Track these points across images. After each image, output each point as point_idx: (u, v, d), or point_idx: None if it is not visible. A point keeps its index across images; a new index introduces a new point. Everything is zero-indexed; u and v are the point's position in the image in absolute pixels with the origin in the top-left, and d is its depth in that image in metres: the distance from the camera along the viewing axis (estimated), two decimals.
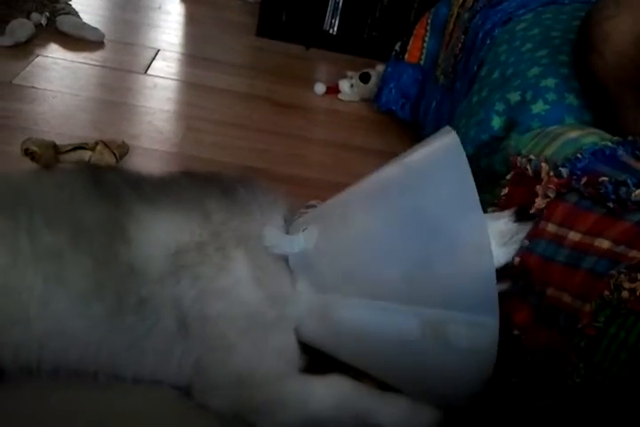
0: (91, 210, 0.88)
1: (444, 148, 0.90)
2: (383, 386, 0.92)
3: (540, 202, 0.89)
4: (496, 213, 0.92)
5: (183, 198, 0.92)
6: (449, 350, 0.84)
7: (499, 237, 0.89)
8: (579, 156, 0.89)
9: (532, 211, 0.90)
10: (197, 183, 0.96)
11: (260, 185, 0.99)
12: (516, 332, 0.89)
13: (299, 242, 0.89)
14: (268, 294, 0.88)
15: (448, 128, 0.92)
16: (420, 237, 0.85)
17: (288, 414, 0.87)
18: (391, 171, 0.94)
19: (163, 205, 0.90)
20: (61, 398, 0.87)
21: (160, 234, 0.87)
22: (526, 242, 0.89)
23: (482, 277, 0.81)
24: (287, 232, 0.93)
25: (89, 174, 0.94)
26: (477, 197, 0.81)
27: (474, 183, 0.82)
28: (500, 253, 0.89)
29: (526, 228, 0.89)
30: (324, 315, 0.89)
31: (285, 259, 0.91)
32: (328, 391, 0.88)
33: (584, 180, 0.86)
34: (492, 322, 0.81)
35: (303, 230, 0.90)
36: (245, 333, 0.87)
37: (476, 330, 0.82)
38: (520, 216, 0.89)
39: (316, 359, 0.92)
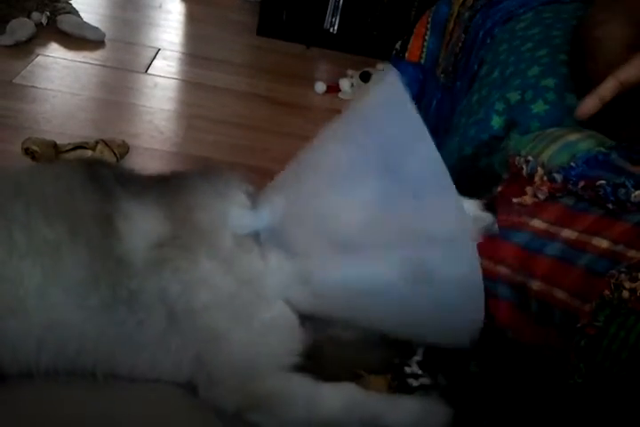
0: (85, 203, 0.89)
1: (383, 85, 0.89)
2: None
3: (526, 199, 0.90)
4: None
5: (155, 193, 0.92)
6: (433, 286, 0.84)
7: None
8: (572, 164, 0.89)
9: (515, 204, 0.91)
10: (161, 181, 0.96)
11: (212, 169, 1.00)
12: (509, 334, 0.89)
13: (263, 216, 0.89)
14: (238, 277, 0.88)
15: (390, 68, 0.94)
16: (380, 179, 0.84)
17: (295, 413, 0.86)
18: (340, 120, 0.95)
19: (146, 199, 0.91)
20: (61, 398, 0.87)
21: (143, 227, 0.88)
22: (496, 228, 0.90)
23: (449, 207, 0.81)
24: (253, 208, 0.92)
25: (85, 168, 0.95)
26: (424, 127, 0.81)
27: (417, 114, 0.81)
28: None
29: (493, 217, 0.90)
30: (305, 281, 0.89)
31: (257, 236, 0.90)
32: (336, 393, 0.87)
33: (582, 184, 0.86)
34: (468, 249, 0.81)
35: (266, 203, 0.90)
36: (232, 319, 0.87)
37: (454, 260, 0.82)
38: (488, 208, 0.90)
39: (319, 368, 0.92)
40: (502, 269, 0.88)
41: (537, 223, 0.87)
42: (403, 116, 0.84)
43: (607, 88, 0.96)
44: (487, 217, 0.90)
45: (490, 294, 0.89)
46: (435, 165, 0.81)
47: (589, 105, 0.98)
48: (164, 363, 0.89)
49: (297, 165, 0.97)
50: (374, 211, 0.85)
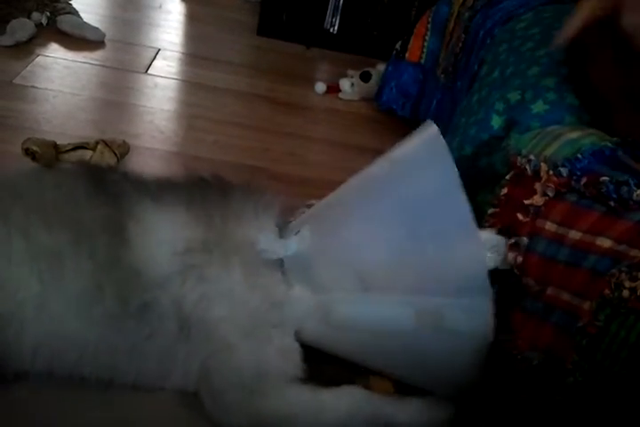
0: (90, 210, 0.87)
1: (424, 138, 0.92)
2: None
3: (538, 199, 0.89)
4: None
5: (185, 198, 0.91)
6: (445, 335, 0.85)
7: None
8: (578, 156, 0.89)
9: (529, 207, 0.90)
10: (198, 184, 0.96)
11: (257, 187, 0.99)
12: (510, 335, 0.89)
13: (291, 245, 0.90)
14: (263, 295, 0.88)
15: (429, 122, 0.95)
16: (408, 225, 0.87)
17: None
18: (378, 166, 0.96)
19: (165, 203, 0.90)
20: (60, 404, 0.86)
21: (164, 233, 0.87)
22: (525, 240, 0.90)
23: (471, 258, 0.82)
24: (281, 235, 0.93)
25: (89, 174, 0.94)
26: (459, 181, 0.83)
27: (455, 168, 0.84)
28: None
29: (507, 242, 0.91)
30: (323, 315, 0.90)
31: (280, 263, 0.91)
32: (339, 400, 0.87)
33: (584, 180, 0.86)
34: (485, 303, 0.82)
35: (296, 233, 0.91)
36: (246, 335, 0.87)
37: (470, 313, 0.83)
38: (502, 232, 0.91)
39: (320, 370, 0.93)
40: (529, 281, 0.88)
41: (548, 226, 0.87)
42: (441, 170, 0.86)
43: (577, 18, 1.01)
44: (501, 241, 0.91)
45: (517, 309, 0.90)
46: (466, 219, 0.83)
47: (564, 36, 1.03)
48: (172, 372, 0.89)
49: (333, 198, 0.99)
50: (399, 254, 0.87)
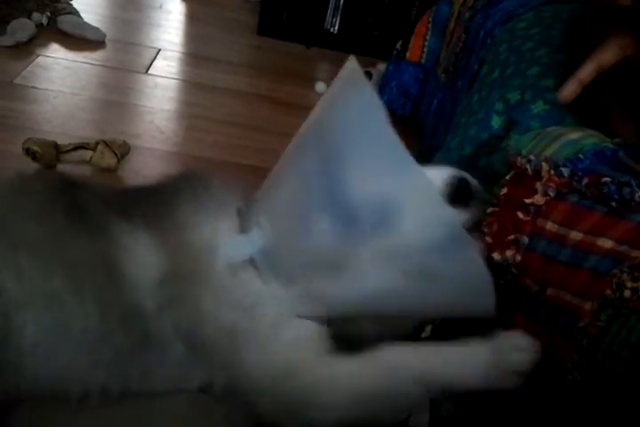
0: (79, 246, 0.83)
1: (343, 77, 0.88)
2: None
3: (538, 198, 0.89)
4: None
5: (158, 214, 0.87)
6: (441, 284, 0.80)
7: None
8: (580, 156, 0.88)
9: (530, 206, 0.90)
10: (166, 192, 0.91)
11: (204, 184, 0.94)
12: None
13: (254, 241, 0.85)
14: (240, 304, 0.85)
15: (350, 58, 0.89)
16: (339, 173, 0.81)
17: (324, 400, 0.80)
18: (305, 125, 0.92)
19: (137, 223, 0.85)
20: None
21: (147, 261, 0.83)
22: (526, 238, 0.89)
23: (424, 200, 0.77)
24: (244, 226, 0.88)
25: (64, 197, 0.88)
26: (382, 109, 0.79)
27: (376, 97, 0.80)
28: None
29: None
30: (311, 301, 0.87)
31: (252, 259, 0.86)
32: (364, 363, 0.81)
33: (586, 180, 0.86)
34: (468, 249, 0.77)
35: (256, 224, 0.86)
36: (246, 344, 0.84)
37: (456, 260, 0.77)
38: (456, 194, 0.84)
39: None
40: (528, 281, 0.88)
41: (549, 226, 0.87)
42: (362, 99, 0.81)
43: (586, 72, 0.98)
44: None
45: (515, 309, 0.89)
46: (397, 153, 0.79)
47: (570, 89, 1.00)
48: (188, 385, 0.87)
49: (275, 176, 0.95)
50: (366, 224, 0.80)
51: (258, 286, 0.85)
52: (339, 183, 0.80)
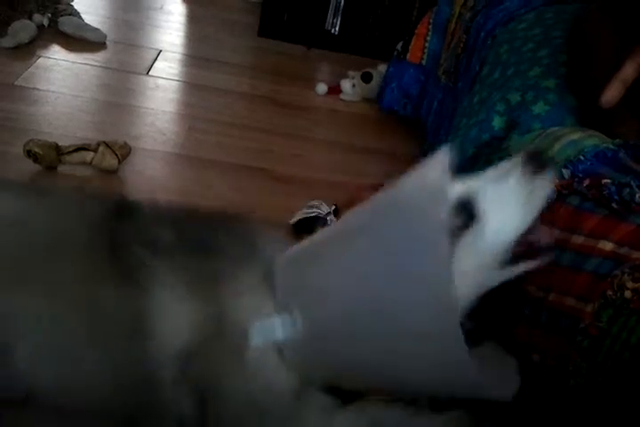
0: (106, 289, 0.78)
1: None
2: None
3: None
4: (502, 167, 0.79)
5: (200, 269, 0.82)
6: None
7: (513, 199, 0.76)
8: (581, 158, 0.88)
9: None
10: (212, 242, 0.85)
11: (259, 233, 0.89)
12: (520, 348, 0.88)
13: (286, 325, 0.80)
14: (262, 393, 0.81)
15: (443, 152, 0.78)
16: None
17: None
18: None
19: (181, 279, 0.80)
20: None
21: (178, 317, 0.78)
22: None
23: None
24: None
25: (108, 232, 0.82)
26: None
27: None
28: (520, 217, 0.76)
29: (545, 179, 0.76)
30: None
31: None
32: (353, 414, 0.82)
33: (586, 182, 0.86)
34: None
35: (287, 311, 0.80)
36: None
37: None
38: (534, 165, 0.76)
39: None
40: (531, 287, 0.88)
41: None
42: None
43: (628, 71, 0.96)
44: (538, 183, 0.77)
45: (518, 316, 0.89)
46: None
47: (614, 90, 0.98)
48: None
49: (316, 255, 0.85)
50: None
51: (282, 375, 0.81)
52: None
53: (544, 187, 0.77)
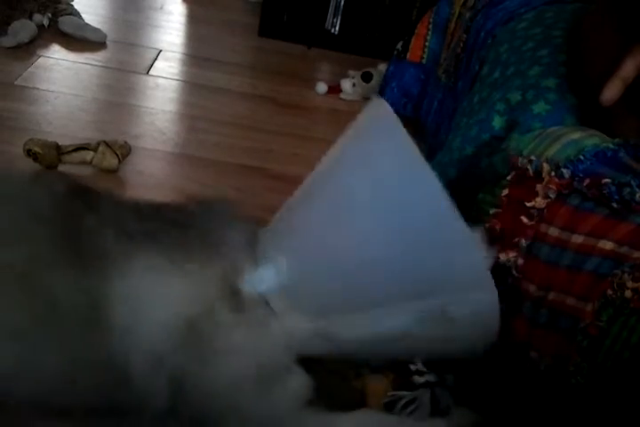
0: (65, 277, 0.75)
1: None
2: None
3: (540, 202, 0.89)
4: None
5: (172, 248, 0.80)
6: (451, 329, 0.82)
7: None
8: (580, 157, 0.88)
9: (532, 210, 0.90)
10: (183, 221, 0.85)
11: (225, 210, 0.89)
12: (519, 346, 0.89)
13: (269, 278, 0.81)
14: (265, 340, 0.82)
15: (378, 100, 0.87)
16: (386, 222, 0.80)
17: None
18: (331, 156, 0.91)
19: (156, 260, 0.78)
20: None
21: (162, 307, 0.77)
22: (524, 242, 0.89)
23: (467, 252, 0.78)
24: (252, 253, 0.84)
25: (71, 217, 0.80)
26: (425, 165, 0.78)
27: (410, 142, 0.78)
28: None
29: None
30: (324, 339, 0.85)
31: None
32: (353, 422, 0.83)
33: (587, 181, 0.86)
34: (491, 296, 0.79)
35: (270, 259, 0.82)
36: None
37: (475, 306, 0.79)
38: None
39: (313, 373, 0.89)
40: (531, 287, 0.88)
41: (551, 231, 0.87)
42: (397, 145, 0.81)
43: (628, 69, 0.96)
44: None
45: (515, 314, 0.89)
46: (447, 210, 0.77)
47: (613, 88, 0.97)
48: None
49: (294, 207, 0.90)
50: (391, 264, 0.80)
51: (273, 321, 0.81)
52: (379, 226, 0.79)
53: None
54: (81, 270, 0.75)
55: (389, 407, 0.90)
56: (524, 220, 0.89)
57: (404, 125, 0.87)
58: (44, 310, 0.73)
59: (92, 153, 1.69)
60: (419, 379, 0.91)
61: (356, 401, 0.90)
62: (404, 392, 0.91)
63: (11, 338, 0.72)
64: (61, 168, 1.68)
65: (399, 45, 2.30)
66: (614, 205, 0.83)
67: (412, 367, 0.91)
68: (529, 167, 0.91)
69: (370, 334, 0.84)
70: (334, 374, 0.89)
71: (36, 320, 0.73)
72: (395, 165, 0.82)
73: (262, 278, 0.82)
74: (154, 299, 0.77)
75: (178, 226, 0.84)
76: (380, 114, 0.83)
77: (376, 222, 0.81)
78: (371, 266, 0.81)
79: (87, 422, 0.77)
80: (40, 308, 0.73)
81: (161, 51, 2.59)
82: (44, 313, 0.73)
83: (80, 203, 0.82)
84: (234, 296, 0.80)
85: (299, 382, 0.82)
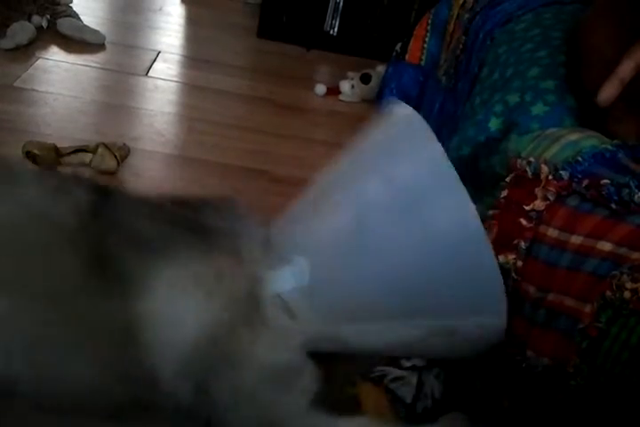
0: (91, 301, 0.76)
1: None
2: None
3: (539, 204, 0.89)
4: None
5: (193, 258, 0.80)
6: (455, 341, 0.82)
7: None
8: (579, 159, 0.88)
9: (531, 213, 0.90)
10: (195, 231, 0.84)
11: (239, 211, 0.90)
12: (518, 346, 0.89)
13: (288, 279, 0.81)
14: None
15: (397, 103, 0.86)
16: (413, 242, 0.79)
17: None
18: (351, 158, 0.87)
19: (177, 273, 0.78)
20: None
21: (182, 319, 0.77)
22: (523, 244, 0.89)
23: (485, 273, 0.77)
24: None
25: (92, 234, 0.78)
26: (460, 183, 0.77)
27: (454, 172, 0.77)
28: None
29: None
30: (331, 340, 0.85)
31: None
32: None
33: (585, 182, 0.86)
34: (500, 319, 0.79)
35: (288, 261, 0.82)
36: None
37: (485, 327, 0.80)
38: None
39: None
40: (530, 289, 0.88)
41: (550, 232, 0.87)
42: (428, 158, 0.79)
43: (625, 69, 0.95)
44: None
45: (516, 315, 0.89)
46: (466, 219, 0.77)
47: (611, 88, 0.97)
48: None
49: (309, 207, 0.88)
50: (410, 280, 0.79)
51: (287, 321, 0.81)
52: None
53: None
54: (109, 293, 0.76)
55: (377, 382, 0.90)
56: (523, 222, 0.89)
57: None
58: (76, 331, 0.75)
59: (90, 155, 1.69)
60: (405, 363, 0.91)
61: (350, 408, 0.90)
62: (393, 368, 0.91)
63: (52, 351, 0.74)
64: (60, 170, 1.68)
65: (398, 47, 2.30)
66: (613, 206, 0.83)
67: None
68: (527, 169, 0.91)
69: (378, 343, 0.84)
70: (329, 381, 0.89)
71: (70, 337, 0.74)
72: (429, 188, 0.80)
73: (283, 280, 0.81)
74: (178, 315, 0.77)
75: (198, 231, 0.83)
76: (416, 128, 0.81)
77: (405, 240, 0.80)
78: (392, 283, 0.80)
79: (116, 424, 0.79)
80: (73, 329, 0.75)
81: (160, 52, 2.59)
82: (77, 333, 0.75)
83: (103, 219, 0.80)
84: (256, 304, 0.80)
85: (311, 377, 0.82)
